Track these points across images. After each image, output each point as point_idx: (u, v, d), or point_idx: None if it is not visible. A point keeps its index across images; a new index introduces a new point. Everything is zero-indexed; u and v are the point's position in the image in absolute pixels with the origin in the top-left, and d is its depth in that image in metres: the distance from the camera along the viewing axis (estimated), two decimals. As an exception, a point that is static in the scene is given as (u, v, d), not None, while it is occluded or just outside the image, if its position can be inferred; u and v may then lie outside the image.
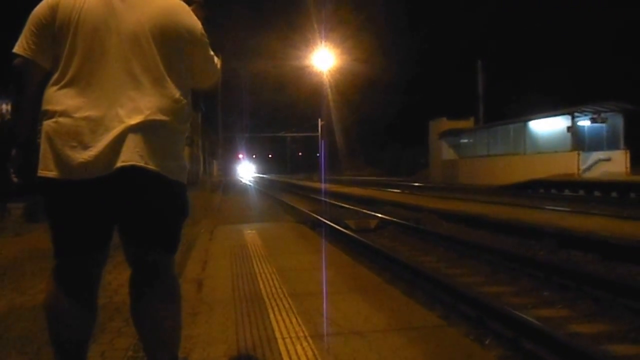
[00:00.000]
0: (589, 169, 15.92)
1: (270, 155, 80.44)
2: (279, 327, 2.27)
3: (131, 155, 1.29)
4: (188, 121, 1.48)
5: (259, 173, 73.61)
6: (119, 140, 1.29)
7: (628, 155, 16.17)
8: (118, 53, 1.33)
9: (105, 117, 1.30)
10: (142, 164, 1.30)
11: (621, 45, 24.65)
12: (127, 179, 1.30)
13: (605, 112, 16.35)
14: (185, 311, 1.51)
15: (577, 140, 16.45)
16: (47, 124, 1.33)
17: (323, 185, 21.55)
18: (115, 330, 2.31)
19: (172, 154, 1.39)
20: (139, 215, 1.38)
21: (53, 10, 1.37)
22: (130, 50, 1.34)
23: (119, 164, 1.28)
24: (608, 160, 16.19)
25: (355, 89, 37.73)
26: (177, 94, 1.39)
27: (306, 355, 1.92)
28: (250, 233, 5.76)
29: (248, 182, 34.63)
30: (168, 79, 1.38)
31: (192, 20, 1.47)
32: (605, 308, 3.39)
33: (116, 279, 2.84)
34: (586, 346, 2.57)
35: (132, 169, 1.29)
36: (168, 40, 1.39)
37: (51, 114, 1.32)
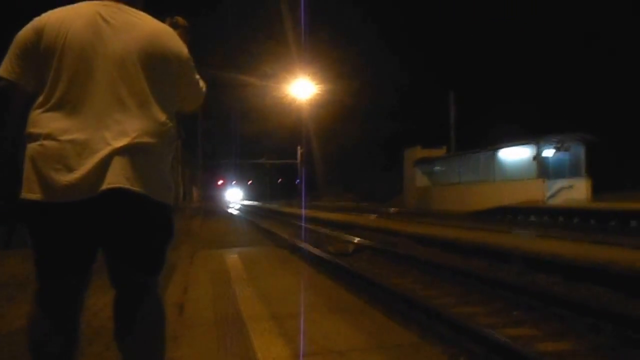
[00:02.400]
0: (553, 195, 16.61)
1: (249, 182, 79.55)
2: (260, 348, 2.29)
3: (117, 177, 1.28)
4: (173, 144, 1.49)
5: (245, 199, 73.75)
6: (105, 163, 1.28)
7: (589, 183, 16.99)
8: (104, 76, 1.33)
9: (92, 140, 1.29)
10: (128, 186, 1.29)
11: (583, 81, 26.43)
12: (113, 201, 1.29)
13: (568, 142, 17.23)
14: (167, 334, 1.54)
15: (542, 168, 17.18)
16: (32, 147, 1.31)
17: (303, 211, 21.56)
18: (95, 355, 2.28)
19: (158, 176, 1.39)
20: (126, 238, 1.37)
21: (38, 34, 1.36)
22: (116, 74, 1.34)
23: (105, 186, 1.27)
24: (571, 187, 16.94)
25: (333, 118, 38.49)
26: (163, 117, 1.40)
27: (288, 375, 1.93)
28: (230, 257, 5.74)
29: (231, 209, 33.54)
30: (154, 102, 1.38)
31: (178, 44, 1.48)
32: (570, 327, 3.57)
33: (95, 303, 2.81)
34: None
35: (118, 192, 1.28)
36: (154, 64, 1.39)
37: (36, 137, 1.31)
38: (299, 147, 39.70)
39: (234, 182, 75.24)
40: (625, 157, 22.20)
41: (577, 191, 16.81)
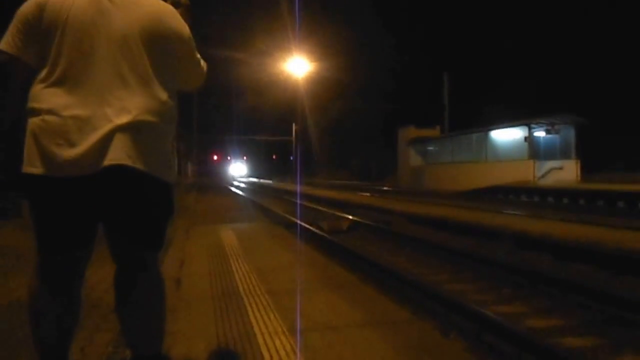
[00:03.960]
0: (543, 176, 16.80)
1: (245, 158, 78.07)
2: (257, 323, 2.34)
3: (119, 154, 1.29)
4: (174, 122, 1.50)
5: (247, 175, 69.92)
6: (107, 140, 1.29)
7: (579, 164, 17.21)
8: (106, 54, 1.34)
9: (93, 116, 1.30)
10: (130, 163, 1.30)
11: (576, 63, 26.36)
12: (115, 178, 1.30)
13: (559, 124, 17.34)
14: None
15: (533, 149, 17.30)
16: (33, 122, 1.32)
17: (298, 188, 21.57)
18: (93, 327, 2.31)
19: (159, 154, 1.41)
20: (127, 214, 1.39)
21: (41, 8, 1.36)
22: (118, 51, 1.35)
23: (107, 162, 1.28)
24: (561, 168, 17.15)
25: (329, 95, 38.09)
26: (164, 95, 1.41)
27: (285, 349, 1.98)
28: (226, 233, 5.77)
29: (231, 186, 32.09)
30: (156, 80, 1.39)
31: (180, 23, 1.49)
32: (558, 304, 3.67)
33: (93, 276, 2.82)
34: (541, 339, 2.79)
35: (120, 168, 1.29)
36: (156, 43, 1.40)
37: (37, 112, 1.32)
38: (294, 124, 39.47)
39: (229, 157, 73.39)
40: (615, 139, 22.40)
41: (567, 172, 17.03)
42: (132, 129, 1.32)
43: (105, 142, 1.29)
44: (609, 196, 11.94)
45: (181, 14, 1.55)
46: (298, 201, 14.66)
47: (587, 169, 17.48)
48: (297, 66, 29.10)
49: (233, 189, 27.60)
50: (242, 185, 35.63)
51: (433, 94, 27.40)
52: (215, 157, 69.47)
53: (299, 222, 8.26)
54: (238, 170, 69.89)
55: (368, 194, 17.80)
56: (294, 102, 35.35)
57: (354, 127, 41.07)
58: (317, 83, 32.20)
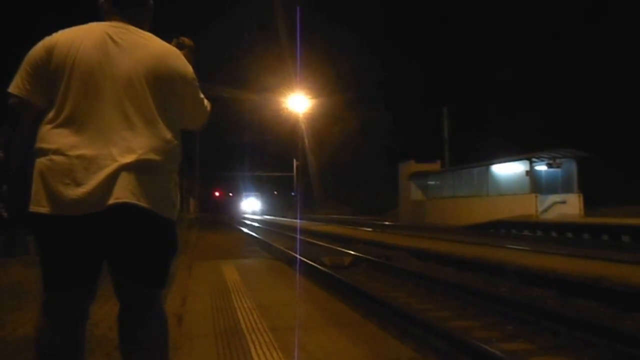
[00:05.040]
0: (546, 210, 16.77)
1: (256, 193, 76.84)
2: (259, 360, 2.34)
3: (124, 192, 1.32)
4: (178, 161, 1.54)
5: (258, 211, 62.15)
6: (112, 179, 1.31)
7: (581, 198, 17.18)
8: (112, 95, 1.38)
9: (99, 156, 1.33)
10: (134, 201, 1.32)
11: (576, 96, 26.89)
12: (119, 216, 1.32)
13: (560, 158, 17.48)
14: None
15: (535, 183, 17.39)
16: (41, 162, 1.35)
17: (299, 223, 21.45)
18: (96, 364, 2.31)
19: (163, 192, 1.42)
20: (131, 252, 1.40)
21: (49, 52, 1.41)
22: (123, 93, 1.38)
23: (112, 201, 1.31)
24: (564, 202, 17.14)
25: (329, 131, 38.77)
26: (168, 135, 1.43)
27: (288, 387, 1.97)
28: (228, 269, 5.76)
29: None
30: (160, 120, 1.42)
31: (183, 64, 1.52)
32: (564, 341, 3.62)
33: (96, 312, 2.82)
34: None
35: (124, 206, 1.31)
36: (161, 84, 1.43)
37: (45, 152, 1.35)
38: (294, 160, 39.85)
39: (230, 194, 72.45)
40: (616, 173, 22.51)
41: (570, 206, 17.00)
42: (137, 168, 1.35)
43: (110, 181, 1.32)
44: (613, 230, 11.87)
45: (185, 55, 1.61)
46: (298, 236, 14.61)
47: (589, 203, 17.45)
48: (298, 102, 29.78)
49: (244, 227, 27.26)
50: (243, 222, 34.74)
51: (433, 128, 27.82)
52: (217, 194, 69.19)
53: (300, 257, 8.22)
54: (251, 205, 63.23)
55: (369, 229, 17.72)
56: (294, 138, 35.89)
57: (355, 162, 41.48)
58: (317, 119, 32.86)
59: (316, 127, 34.68)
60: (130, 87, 1.39)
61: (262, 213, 55.48)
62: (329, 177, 43.52)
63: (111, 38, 1.44)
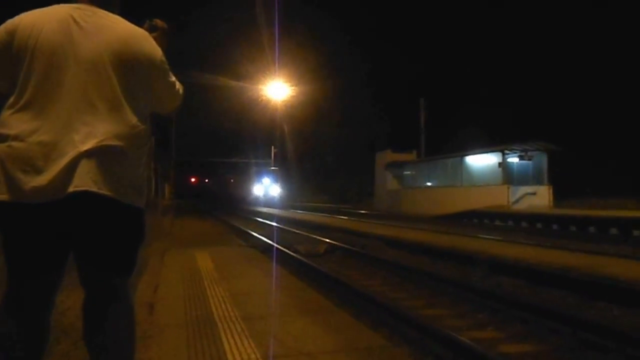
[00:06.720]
0: (517, 201, 17.26)
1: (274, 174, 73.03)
2: (231, 350, 2.30)
3: (84, 180, 1.28)
4: (145, 146, 1.49)
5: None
6: (73, 166, 1.28)
7: (551, 190, 17.79)
8: (75, 79, 1.34)
9: (60, 142, 1.29)
10: (95, 189, 1.29)
11: (548, 90, 27.65)
12: (81, 204, 1.30)
13: (532, 150, 17.98)
14: (137, 335, 1.51)
15: (507, 175, 17.83)
16: (0, 148, 1.31)
17: (275, 211, 21.27)
18: (63, 354, 2.23)
19: (128, 178, 1.39)
20: (95, 240, 1.37)
21: (10, 35, 1.36)
22: (87, 77, 1.34)
23: (72, 188, 1.28)
24: (534, 194, 17.68)
25: (307, 120, 38.57)
26: (134, 119, 1.39)
27: (259, 377, 1.94)
28: (201, 257, 5.67)
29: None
30: (126, 105, 1.38)
31: (151, 47, 1.48)
32: (532, 330, 3.72)
33: (63, 301, 2.72)
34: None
35: (85, 194, 1.29)
36: (126, 68, 1.40)
37: (4, 138, 1.31)
38: (272, 147, 39.55)
39: (206, 180, 70.19)
40: (584, 166, 23.36)
41: (540, 197, 17.54)
42: (98, 154, 1.31)
43: (71, 168, 1.28)
44: (580, 222, 12.32)
45: (157, 37, 1.56)
46: (275, 224, 14.59)
47: (559, 195, 18.07)
48: (277, 90, 29.46)
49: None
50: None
51: (410, 119, 28.12)
52: (192, 179, 67.74)
53: (275, 245, 8.19)
54: (271, 191, 38.83)
55: (345, 217, 17.85)
56: (273, 125, 35.59)
57: (332, 151, 41.57)
58: (296, 107, 32.63)
59: (294, 114, 34.49)
60: (94, 71, 1.35)
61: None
62: (307, 165, 43.54)
63: (75, 20, 1.39)
